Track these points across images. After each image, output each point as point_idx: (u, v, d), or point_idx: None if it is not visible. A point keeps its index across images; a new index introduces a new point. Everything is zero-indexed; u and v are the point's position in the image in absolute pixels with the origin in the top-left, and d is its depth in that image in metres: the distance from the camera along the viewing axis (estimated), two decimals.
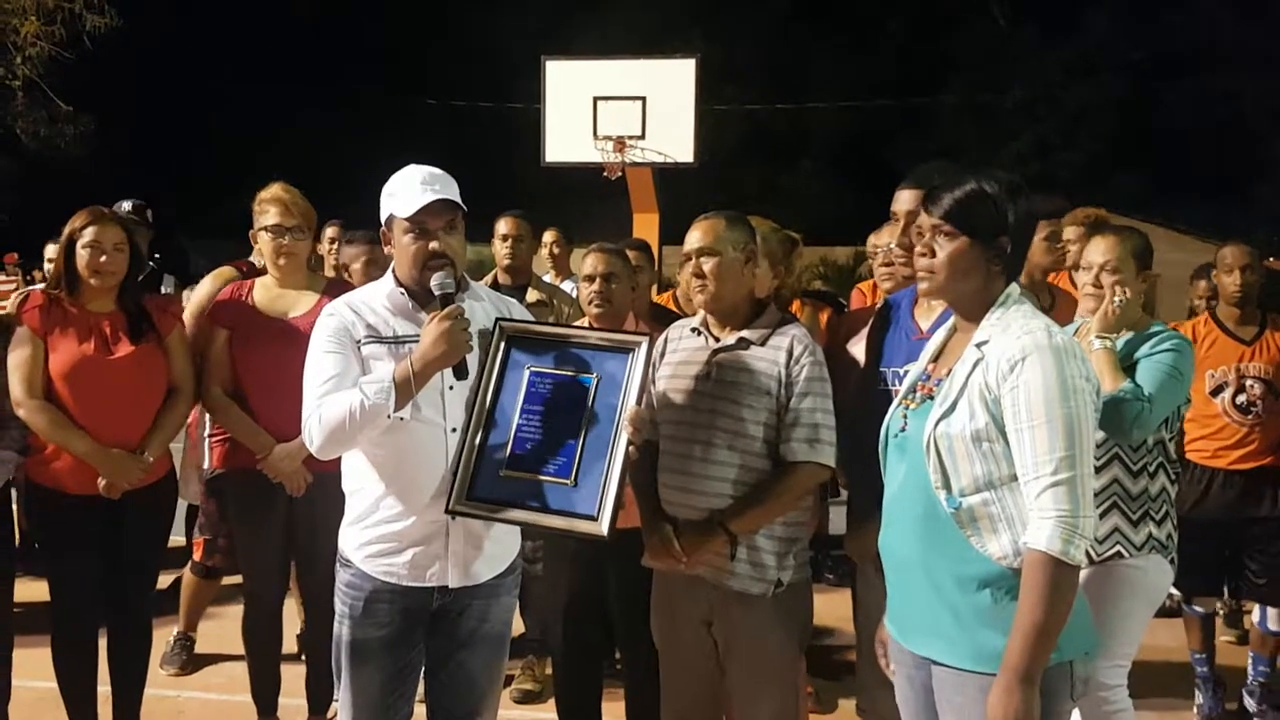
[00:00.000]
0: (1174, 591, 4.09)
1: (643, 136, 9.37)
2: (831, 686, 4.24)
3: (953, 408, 2.06)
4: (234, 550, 4.12)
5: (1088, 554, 2.07)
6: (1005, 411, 1.99)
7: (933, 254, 2.12)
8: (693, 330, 2.92)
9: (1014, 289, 2.15)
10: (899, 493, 2.19)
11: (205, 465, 4.10)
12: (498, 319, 2.63)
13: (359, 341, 2.50)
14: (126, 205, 5.23)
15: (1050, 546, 1.91)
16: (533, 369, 2.54)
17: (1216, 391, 4.13)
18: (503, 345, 2.58)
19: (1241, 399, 4.09)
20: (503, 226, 4.67)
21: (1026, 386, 1.96)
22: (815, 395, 2.73)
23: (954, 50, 30.56)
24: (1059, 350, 1.99)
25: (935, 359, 2.28)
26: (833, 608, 3.96)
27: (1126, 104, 29.12)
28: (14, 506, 3.51)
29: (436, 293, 2.47)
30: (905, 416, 2.22)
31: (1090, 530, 1.95)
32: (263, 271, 3.76)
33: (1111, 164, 28.30)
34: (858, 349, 3.09)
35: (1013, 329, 2.05)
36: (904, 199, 2.79)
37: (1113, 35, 29.47)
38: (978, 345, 2.09)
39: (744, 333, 2.82)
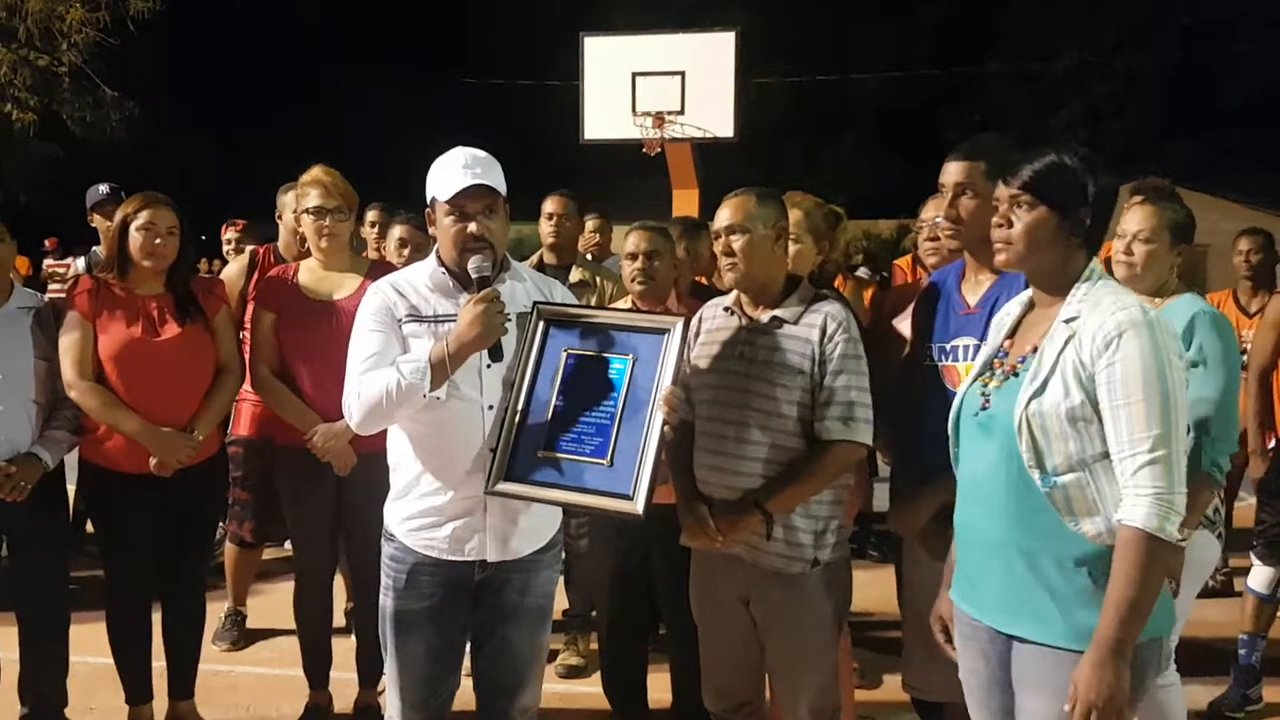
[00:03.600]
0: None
1: (682, 112, 9.29)
2: (877, 662, 4.23)
3: (1044, 386, 2.04)
4: (262, 517, 4.33)
5: None
6: (1100, 388, 1.98)
7: (1010, 224, 2.11)
8: (726, 309, 2.89)
9: (1096, 265, 2.14)
10: (987, 472, 2.15)
11: (228, 430, 4.17)
12: (535, 302, 2.64)
13: (400, 320, 2.53)
14: (104, 188, 5.30)
15: (1148, 524, 1.91)
16: (569, 351, 2.55)
17: None
18: (540, 327, 2.59)
19: None
20: (549, 205, 4.66)
21: (1124, 363, 1.96)
22: (850, 373, 2.69)
23: (1000, 17, 29.99)
24: (1154, 326, 1.98)
25: (1010, 335, 2.25)
26: (877, 584, 3.94)
27: (1179, 70, 28.44)
28: (69, 486, 3.57)
29: (474, 276, 2.48)
30: (985, 394, 2.19)
31: (1183, 506, 1.95)
32: (304, 257, 3.79)
33: (1163, 132, 27.71)
34: (904, 325, 3.06)
35: (1104, 305, 2.03)
36: (952, 170, 2.74)
37: None
38: (1066, 321, 2.07)
39: (777, 311, 2.78)
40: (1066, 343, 2.04)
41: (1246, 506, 4.87)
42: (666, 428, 2.43)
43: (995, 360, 2.24)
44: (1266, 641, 4.13)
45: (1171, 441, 1.93)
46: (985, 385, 2.20)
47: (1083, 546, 2.02)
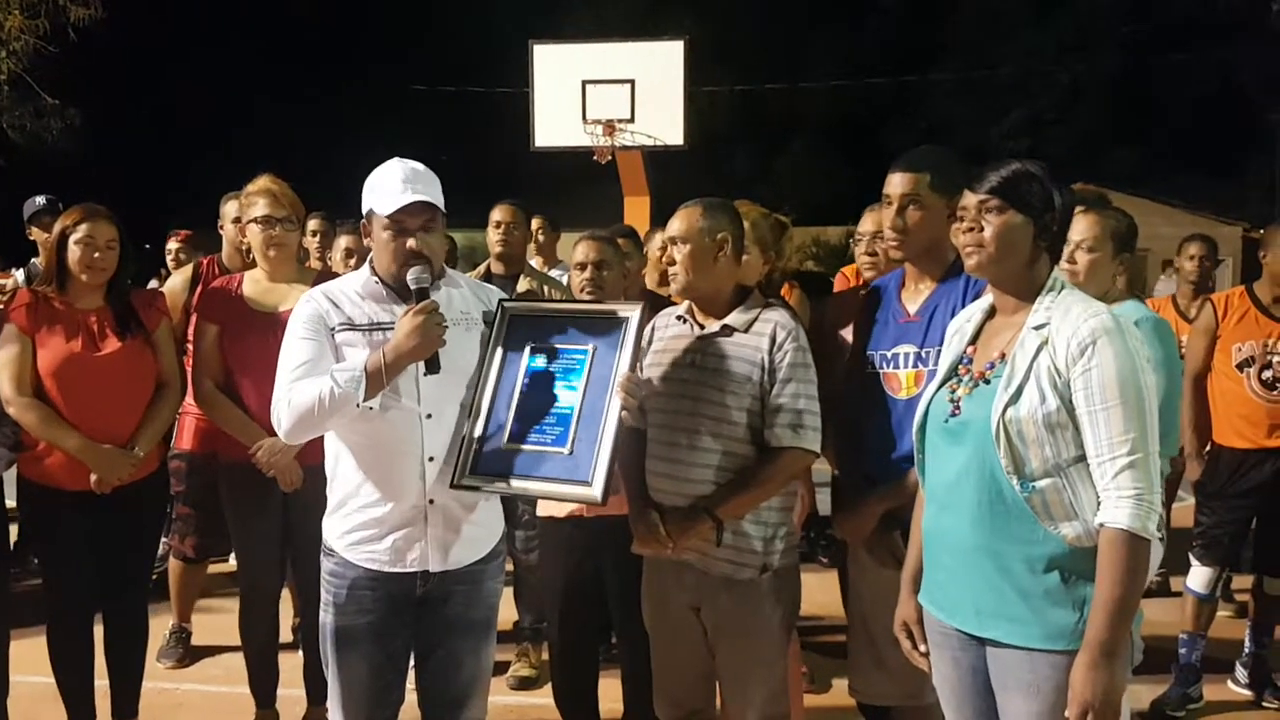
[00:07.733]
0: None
1: (632, 120, 9.31)
2: (826, 666, 4.26)
3: (1019, 392, 2.08)
4: (204, 532, 4.31)
5: None
6: (1077, 394, 2.03)
7: (981, 229, 2.15)
8: (678, 318, 2.93)
9: (1059, 273, 2.19)
10: (959, 478, 2.18)
11: (170, 444, 4.12)
12: (500, 299, 2.68)
13: (333, 329, 2.51)
14: (40, 200, 5.23)
15: (1133, 524, 1.96)
16: (533, 345, 2.60)
17: (1243, 366, 4.16)
18: (505, 323, 2.63)
19: (1268, 375, 4.12)
20: (497, 214, 4.67)
21: (1100, 369, 2.01)
22: (798, 381, 2.73)
23: (946, 27, 30.44)
24: (1125, 332, 2.04)
25: (973, 342, 2.28)
26: (826, 589, 3.97)
27: (1120, 78, 29.06)
28: (6, 503, 3.50)
29: (412, 287, 2.47)
30: (954, 401, 2.22)
31: (1159, 504, 2.01)
32: (249, 268, 3.75)
33: (1105, 139, 28.27)
34: (846, 333, 3.10)
35: (1074, 312, 2.08)
36: (896, 182, 2.79)
37: (1106, 8, 29.37)
38: (1036, 328, 2.11)
39: (728, 320, 2.82)
40: (1039, 350, 2.08)
41: (1185, 507, 4.98)
42: (624, 413, 2.46)
43: (961, 367, 2.26)
44: (1206, 640, 4.22)
45: (1148, 443, 1.99)
46: (953, 392, 2.23)
47: (1054, 548, 2.06)
